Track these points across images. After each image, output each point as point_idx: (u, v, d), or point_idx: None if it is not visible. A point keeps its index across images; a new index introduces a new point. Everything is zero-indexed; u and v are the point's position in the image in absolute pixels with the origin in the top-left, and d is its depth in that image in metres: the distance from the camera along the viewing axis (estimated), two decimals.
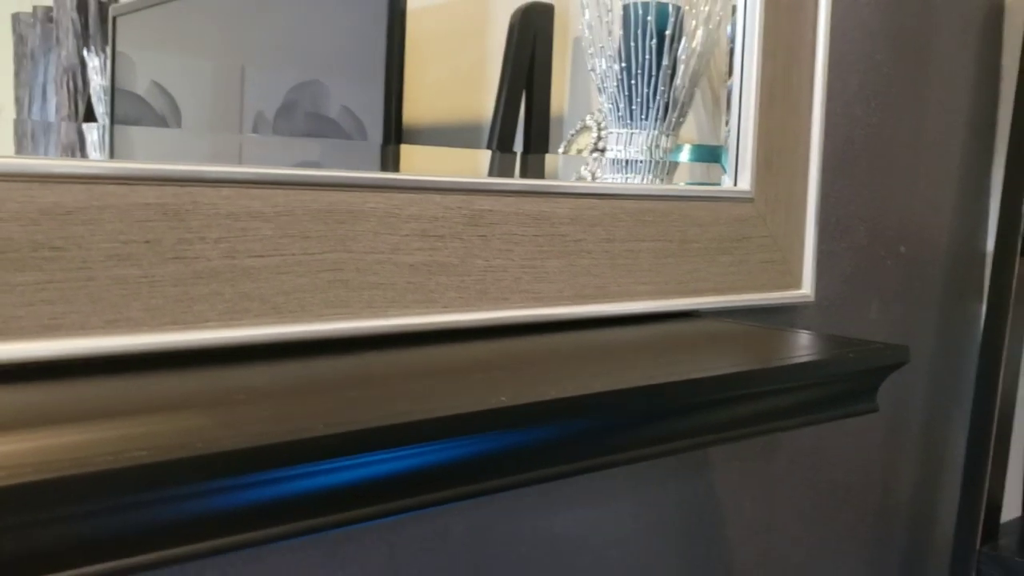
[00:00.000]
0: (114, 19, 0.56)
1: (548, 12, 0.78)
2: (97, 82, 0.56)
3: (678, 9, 0.77)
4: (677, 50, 0.77)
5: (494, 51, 0.76)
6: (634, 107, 0.77)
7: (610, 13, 0.77)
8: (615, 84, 0.77)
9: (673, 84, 0.77)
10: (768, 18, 0.75)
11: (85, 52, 0.55)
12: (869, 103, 0.92)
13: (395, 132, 0.69)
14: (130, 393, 0.41)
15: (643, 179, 0.78)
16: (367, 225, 0.53)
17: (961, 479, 1.03)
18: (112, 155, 0.59)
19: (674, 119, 0.78)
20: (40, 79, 0.54)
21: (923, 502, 1.07)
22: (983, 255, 1.09)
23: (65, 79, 0.55)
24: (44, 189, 0.43)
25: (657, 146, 0.78)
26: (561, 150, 0.81)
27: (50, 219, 0.42)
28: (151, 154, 0.61)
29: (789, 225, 0.78)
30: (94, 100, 0.56)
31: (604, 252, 0.64)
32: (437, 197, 0.57)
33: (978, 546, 1.00)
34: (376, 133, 0.69)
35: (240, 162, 0.52)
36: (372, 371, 0.48)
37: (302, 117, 0.65)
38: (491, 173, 0.74)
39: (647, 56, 0.76)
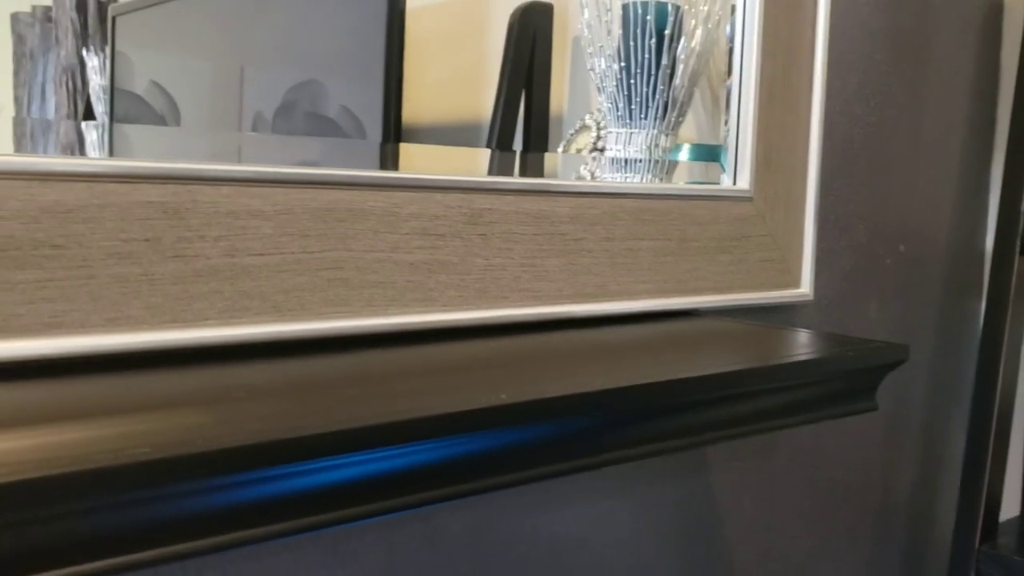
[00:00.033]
0: (113, 19, 0.56)
1: (547, 11, 0.78)
2: (96, 82, 0.56)
3: (677, 8, 0.77)
4: (676, 49, 0.77)
5: (493, 51, 0.76)
6: (633, 106, 0.77)
7: (609, 12, 0.77)
8: (614, 83, 0.78)
9: (672, 83, 0.77)
10: (767, 17, 0.75)
11: (84, 52, 0.55)
12: (868, 102, 0.92)
13: (394, 132, 0.69)
14: (130, 391, 0.41)
15: (642, 178, 0.78)
16: (367, 224, 0.53)
17: (960, 478, 1.03)
18: (111, 154, 0.59)
19: (673, 118, 0.78)
20: (39, 78, 0.54)
21: (922, 501, 1.07)
22: (982, 253, 1.09)
23: (64, 79, 0.55)
24: (45, 187, 0.43)
25: (656, 145, 0.78)
26: (560, 149, 0.81)
27: (51, 217, 0.43)
28: (150, 153, 0.61)
29: (788, 224, 0.78)
30: (93, 100, 0.56)
31: (604, 251, 0.65)
32: (437, 196, 0.57)
33: (977, 544, 1.00)
34: (375, 133, 0.69)
35: (240, 161, 0.52)
36: (371, 369, 0.48)
37: (301, 117, 0.65)
38: (491, 172, 0.74)
39: (646, 55, 0.76)
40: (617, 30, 0.77)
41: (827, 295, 0.89)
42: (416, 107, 0.69)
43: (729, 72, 0.77)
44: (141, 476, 0.32)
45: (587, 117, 0.81)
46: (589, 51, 0.78)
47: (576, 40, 0.80)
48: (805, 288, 0.80)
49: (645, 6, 0.76)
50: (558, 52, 0.79)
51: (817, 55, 0.79)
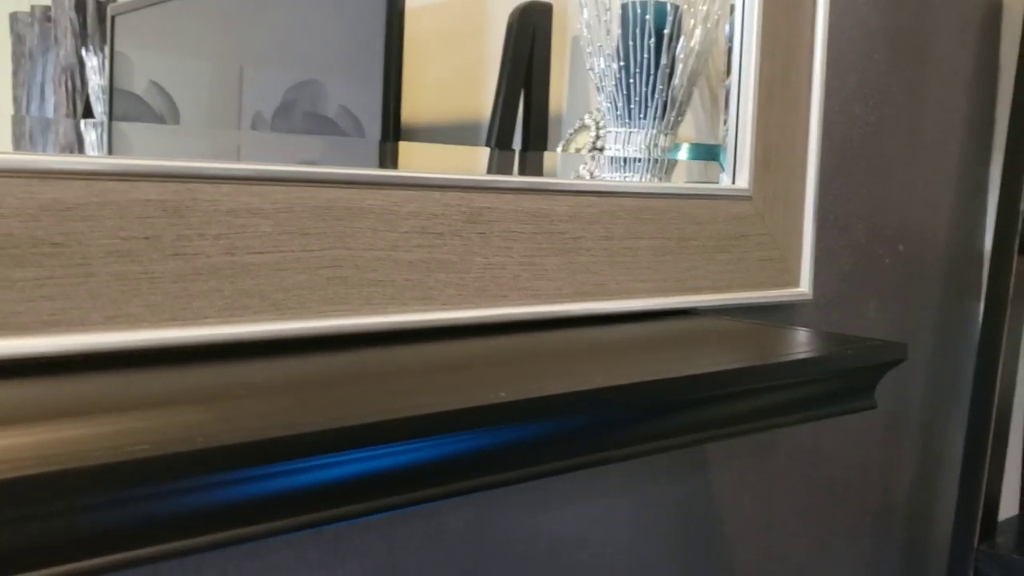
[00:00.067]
0: (112, 18, 0.56)
1: (546, 11, 0.78)
2: (95, 81, 0.56)
3: (676, 8, 0.77)
4: (675, 49, 0.77)
5: (492, 50, 0.76)
6: (632, 106, 0.78)
7: (608, 12, 0.77)
8: (613, 83, 0.78)
9: (671, 83, 0.77)
10: (766, 17, 0.75)
11: (83, 51, 0.55)
12: (867, 102, 0.92)
13: (393, 132, 0.69)
14: (130, 388, 0.41)
15: (641, 177, 0.78)
16: (366, 222, 0.53)
17: (959, 477, 1.03)
18: (110, 153, 0.59)
19: (672, 118, 0.78)
20: (38, 78, 0.54)
21: (921, 500, 1.07)
22: (981, 253, 1.09)
23: (63, 78, 0.55)
24: (44, 185, 0.43)
25: (655, 145, 0.78)
26: (559, 149, 0.81)
27: (50, 215, 0.43)
28: (149, 151, 0.61)
29: (787, 223, 0.79)
30: (92, 99, 0.56)
31: (603, 250, 0.65)
32: (436, 194, 0.57)
33: (976, 544, 1.00)
34: (374, 132, 0.69)
35: (239, 160, 0.52)
36: (370, 368, 0.48)
37: (300, 117, 0.65)
38: (490, 171, 0.74)
39: (645, 55, 0.76)
40: (616, 29, 0.77)
41: (826, 294, 0.90)
42: (415, 107, 0.69)
43: (728, 71, 0.77)
44: (140, 473, 0.32)
45: (586, 117, 0.81)
46: (588, 50, 0.78)
47: (575, 39, 0.80)
48: (804, 287, 0.80)
49: (644, 5, 0.76)
50: (557, 52, 0.79)
51: (816, 55, 0.79)
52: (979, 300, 1.08)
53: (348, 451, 0.38)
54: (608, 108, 0.79)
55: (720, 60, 0.79)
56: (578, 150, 0.81)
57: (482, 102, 0.75)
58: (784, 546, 0.91)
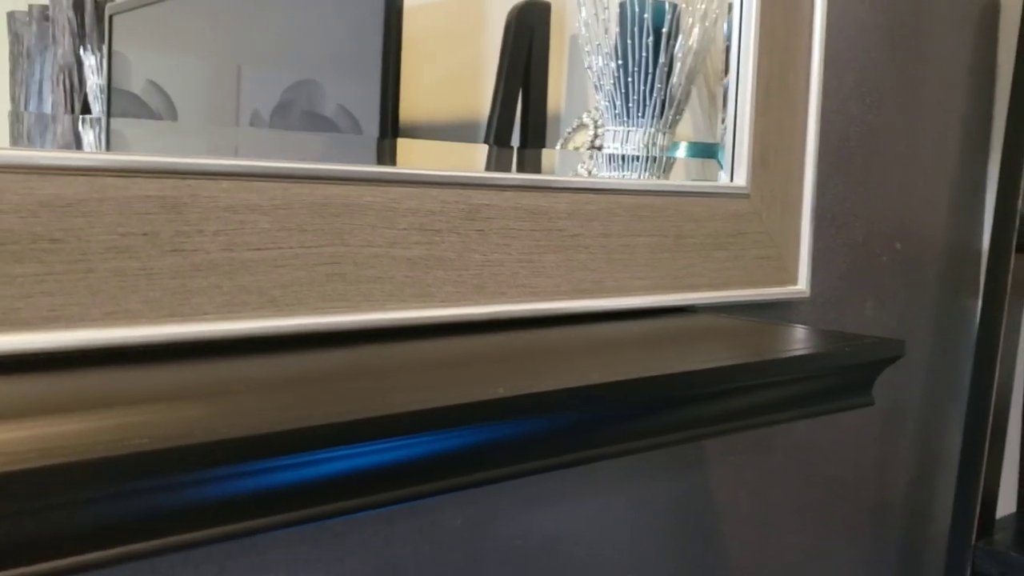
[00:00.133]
0: (110, 17, 0.56)
1: (545, 10, 0.78)
2: (93, 81, 0.56)
3: (675, 7, 0.77)
4: (674, 48, 0.77)
5: (491, 49, 0.76)
6: (631, 105, 0.78)
7: (606, 11, 0.78)
8: (612, 82, 0.78)
9: (669, 81, 0.77)
10: (764, 16, 0.76)
11: (81, 50, 0.55)
12: (865, 100, 0.92)
13: (392, 131, 0.69)
14: (129, 384, 0.41)
15: (639, 176, 0.78)
16: (365, 219, 0.53)
17: (957, 474, 1.03)
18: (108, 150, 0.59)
19: (670, 116, 0.78)
20: (36, 77, 0.54)
21: (919, 497, 1.07)
22: (979, 252, 1.09)
23: (61, 77, 0.55)
24: (44, 181, 0.43)
25: (653, 144, 0.78)
26: (558, 147, 0.81)
27: (49, 211, 0.43)
28: (146, 149, 0.61)
29: (785, 221, 0.79)
30: (90, 99, 0.56)
31: (601, 247, 0.65)
32: (435, 191, 0.57)
33: (974, 541, 1.00)
34: (373, 131, 0.69)
35: (237, 156, 0.52)
36: (369, 364, 0.48)
37: (298, 116, 0.65)
38: (488, 168, 0.75)
39: (644, 54, 0.76)
40: (614, 28, 0.78)
41: (823, 293, 0.90)
42: (413, 106, 0.69)
43: (726, 70, 0.77)
44: (140, 467, 0.32)
45: (584, 115, 0.82)
46: (586, 49, 0.78)
47: (573, 38, 0.80)
48: (801, 285, 0.80)
49: (642, 4, 0.76)
50: (555, 50, 0.79)
51: (814, 53, 0.79)
52: (977, 298, 1.09)
53: (346, 446, 0.38)
54: (606, 107, 0.79)
55: (718, 59, 0.80)
56: (576, 148, 0.81)
57: (480, 101, 0.75)
58: (781, 543, 0.91)
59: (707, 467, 0.82)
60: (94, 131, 0.57)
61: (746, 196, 0.76)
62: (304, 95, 0.65)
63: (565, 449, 0.47)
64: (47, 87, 0.55)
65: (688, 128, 0.83)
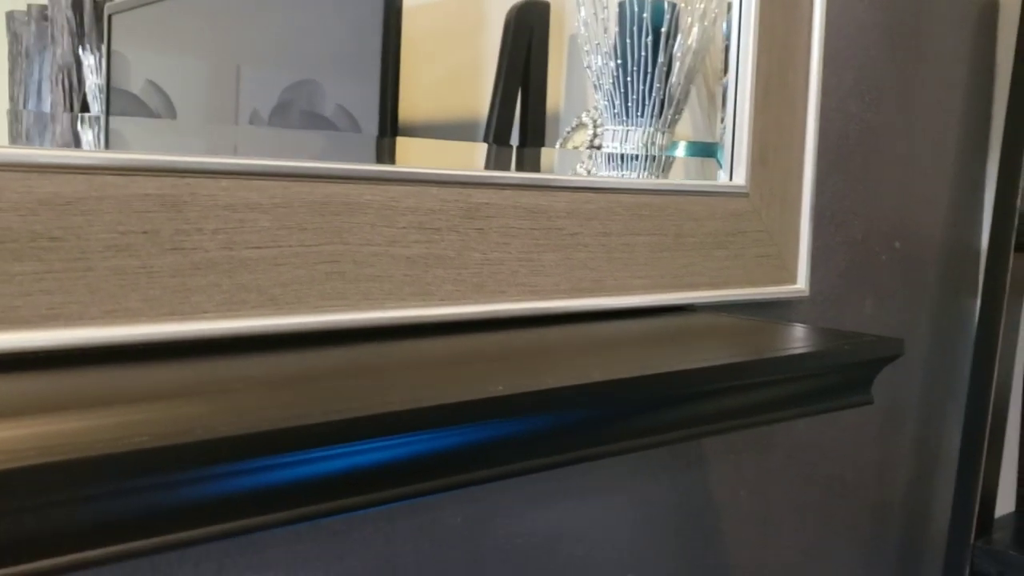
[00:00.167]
0: (109, 17, 0.56)
1: (544, 9, 0.78)
2: (92, 80, 0.56)
3: (674, 6, 0.77)
4: (673, 47, 0.77)
5: (490, 49, 0.76)
6: (630, 104, 0.78)
7: (606, 10, 0.78)
8: (611, 81, 0.78)
9: (669, 81, 0.77)
10: (763, 15, 0.76)
11: (80, 50, 0.55)
12: (864, 99, 0.92)
13: (391, 131, 0.69)
14: (129, 382, 0.41)
15: (639, 175, 0.78)
16: (364, 217, 0.53)
17: (956, 473, 1.03)
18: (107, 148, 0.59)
19: (670, 116, 0.78)
20: (35, 77, 0.54)
21: (918, 496, 1.07)
22: (977, 250, 1.10)
23: (60, 77, 0.55)
24: (43, 179, 0.43)
25: (653, 143, 0.78)
26: (557, 147, 0.81)
27: (49, 209, 0.43)
28: (145, 147, 0.61)
29: (784, 220, 0.79)
30: (89, 98, 0.56)
31: (600, 246, 0.65)
32: (434, 190, 0.57)
33: (972, 540, 1.00)
34: (372, 131, 0.69)
35: (236, 155, 0.52)
36: (369, 362, 0.48)
37: (297, 116, 0.65)
38: (487, 167, 0.75)
39: (643, 53, 0.76)
40: (613, 27, 0.78)
41: (823, 291, 0.90)
42: (412, 106, 0.69)
43: (725, 69, 0.77)
44: (140, 464, 0.32)
45: (583, 115, 0.82)
46: (585, 49, 0.78)
47: (572, 38, 0.80)
48: (801, 284, 0.80)
49: (641, 4, 0.76)
50: (554, 50, 0.79)
51: (813, 52, 0.80)
52: (975, 297, 1.09)
53: (346, 444, 0.38)
54: (605, 106, 0.79)
55: (717, 58, 0.80)
56: (575, 148, 0.81)
57: (479, 101, 0.75)
58: (781, 542, 0.91)
59: (707, 466, 0.82)
60: (93, 130, 0.57)
61: (745, 195, 0.76)
62: (303, 95, 0.65)
63: (565, 447, 0.47)
64: (46, 87, 0.54)
65: (687, 127, 0.83)
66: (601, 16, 0.78)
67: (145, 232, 0.45)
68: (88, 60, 0.55)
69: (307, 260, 0.51)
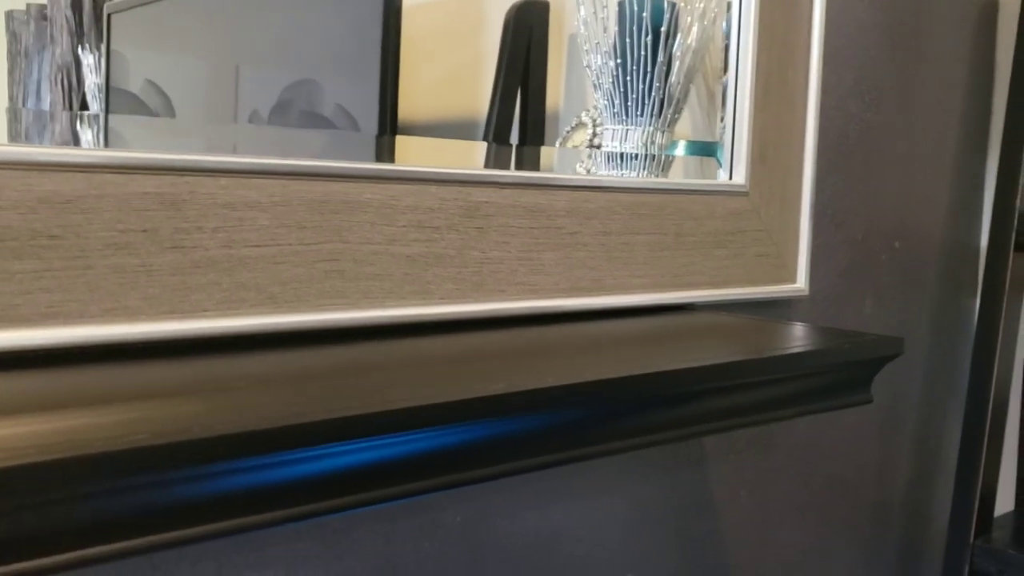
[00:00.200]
0: (108, 16, 0.56)
1: (543, 9, 0.78)
2: (91, 80, 0.56)
3: (673, 5, 0.77)
4: (672, 46, 0.77)
5: (490, 48, 0.76)
6: (629, 103, 0.78)
7: (605, 9, 0.78)
8: (610, 80, 0.78)
9: (668, 80, 0.77)
10: (763, 14, 0.76)
11: (79, 50, 0.55)
12: (864, 98, 0.92)
13: (390, 129, 0.69)
14: (128, 380, 0.41)
15: (638, 174, 0.78)
16: (364, 216, 0.53)
17: (955, 472, 1.03)
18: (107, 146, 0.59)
19: (669, 115, 0.78)
20: (35, 77, 0.54)
21: (918, 495, 1.07)
22: (977, 250, 1.10)
23: (59, 77, 0.55)
24: (42, 177, 0.43)
25: (652, 142, 0.78)
26: (557, 146, 0.81)
27: (48, 207, 0.43)
28: (144, 145, 0.61)
29: (784, 219, 0.79)
30: (89, 98, 0.56)
31: (600, 245, 0.65)
32: (434, 188, 0.57)
33: (972, 539, 1.00)
34: (371, 130, 0.69)
35: (236, 153, 0.52)
36: (368, 361, 0.48)
37: (297, 115, 0.65)
38: (487, 165, 0.75)
39: (642, 52, 0.76)
40: (613, 27, 0.78)
41: (822, 290, 0.90)
42: (412, 105, 0.69)
43: (725, 68, 0.77)
44: (138, 462, 0.32)
45: (583, 114, 0.82)
46: (585, 48, 0.78)
47: (572, 37, 0.80)
48: (800, 283, 0.80)
49: (641, 3, 0.76)
50: (554, 49, 0.79)
51: (813, 51, 0.79)
52: (975, 296, 1.09)
53: (345, 442, 0.38)
54: (605, 105, 0.79)
55: (717, 57, 0.80)
56: (575, 147, 0.81)
57: (479, 100, 0.75)
58: (781, 541, 0.91)
59: (707, 465, 0.82)
60: (92, 128, 0.57)
61: (745, 194, 0.76)
62: (303, 94, 0.65)
63: (565, 446, 0.47)
64: (45, 86, 0.54)
65: (687, 126, 0.83)
66: (601, 15, 0.77)
67: (144, 230, 0.45)
68: (87, 59, 0.55)
69: (306, 258, 0.51)
